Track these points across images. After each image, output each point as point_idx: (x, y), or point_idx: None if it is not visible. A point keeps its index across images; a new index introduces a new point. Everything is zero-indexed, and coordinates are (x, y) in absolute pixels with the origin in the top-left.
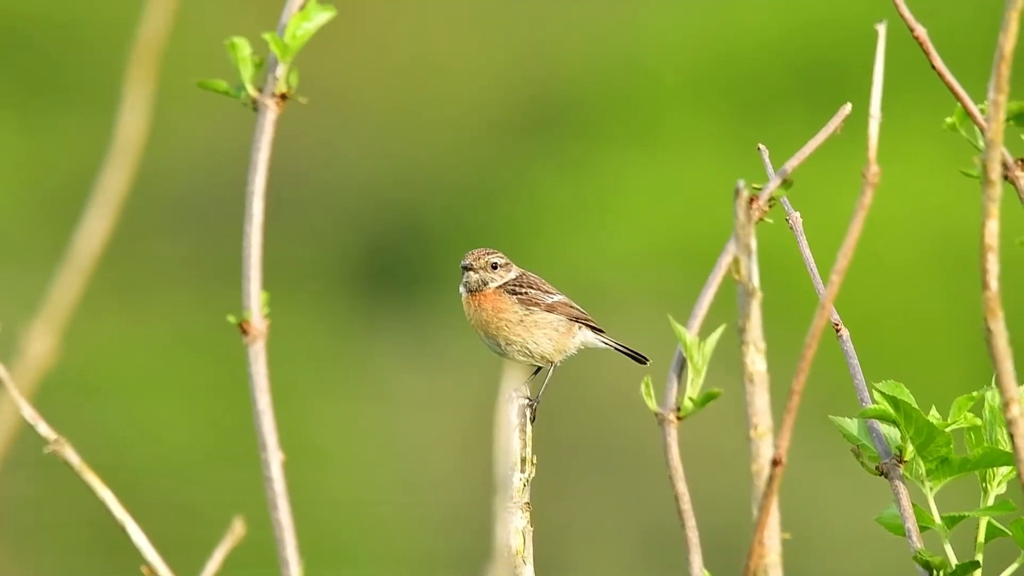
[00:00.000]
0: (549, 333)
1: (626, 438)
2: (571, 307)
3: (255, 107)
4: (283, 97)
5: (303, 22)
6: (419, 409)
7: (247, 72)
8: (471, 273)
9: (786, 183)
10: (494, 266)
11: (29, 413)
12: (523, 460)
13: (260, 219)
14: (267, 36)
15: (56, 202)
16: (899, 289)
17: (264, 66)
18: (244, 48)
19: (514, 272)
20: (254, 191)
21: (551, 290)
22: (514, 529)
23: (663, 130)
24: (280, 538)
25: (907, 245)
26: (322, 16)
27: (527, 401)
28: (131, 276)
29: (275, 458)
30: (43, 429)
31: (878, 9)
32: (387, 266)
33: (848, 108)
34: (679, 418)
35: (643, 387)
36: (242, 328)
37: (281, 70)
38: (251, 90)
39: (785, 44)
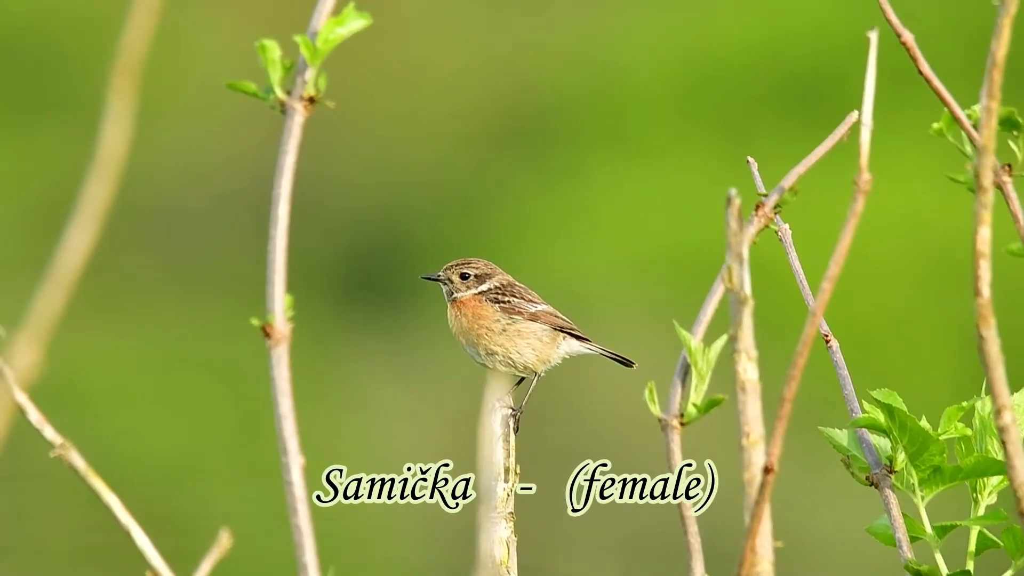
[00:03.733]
0: (532, 343)
1: (611, 447)
2: (555, 316)
3: (283, 110)
4: (311, 100)
5: (337, 27)
6: (401, 419)
7: (276, 75)
8: (441, 283)
9: (792, 190)
10: (463, 276)
11: (35, 417)
12: (507, 470)
13: (286, 223)
14: (298, 39)
15: (38, 215)
16: (889, 296)
17: (293, 69)
18: (274, 51)
19: (496, 281)
20: (280, 195)
21: (536, 299)
22: (498, 539)
23: (645, 140)
24: (299, 543)
25: (897, 252)
26: (357, 23)
27: (510, 411)
28: (112, 288)
29: (295, 462)
30: (49, 433)
31: (862, 19)
32: (368, 276)
33: (855, 116)
34: (682, 424)
35: (647, 393)
36: (265, 331)
37: (310, 74)
38: (280, 93)
39: (769, 53)
